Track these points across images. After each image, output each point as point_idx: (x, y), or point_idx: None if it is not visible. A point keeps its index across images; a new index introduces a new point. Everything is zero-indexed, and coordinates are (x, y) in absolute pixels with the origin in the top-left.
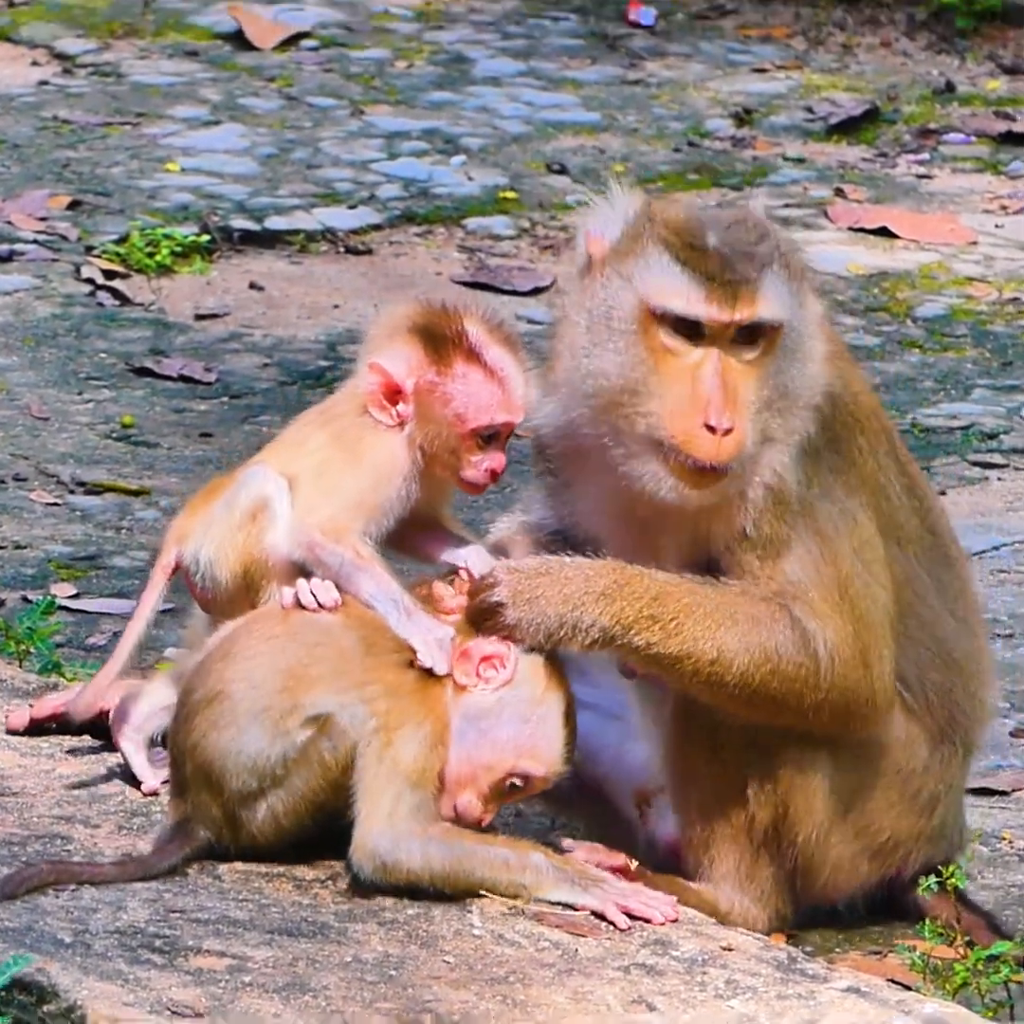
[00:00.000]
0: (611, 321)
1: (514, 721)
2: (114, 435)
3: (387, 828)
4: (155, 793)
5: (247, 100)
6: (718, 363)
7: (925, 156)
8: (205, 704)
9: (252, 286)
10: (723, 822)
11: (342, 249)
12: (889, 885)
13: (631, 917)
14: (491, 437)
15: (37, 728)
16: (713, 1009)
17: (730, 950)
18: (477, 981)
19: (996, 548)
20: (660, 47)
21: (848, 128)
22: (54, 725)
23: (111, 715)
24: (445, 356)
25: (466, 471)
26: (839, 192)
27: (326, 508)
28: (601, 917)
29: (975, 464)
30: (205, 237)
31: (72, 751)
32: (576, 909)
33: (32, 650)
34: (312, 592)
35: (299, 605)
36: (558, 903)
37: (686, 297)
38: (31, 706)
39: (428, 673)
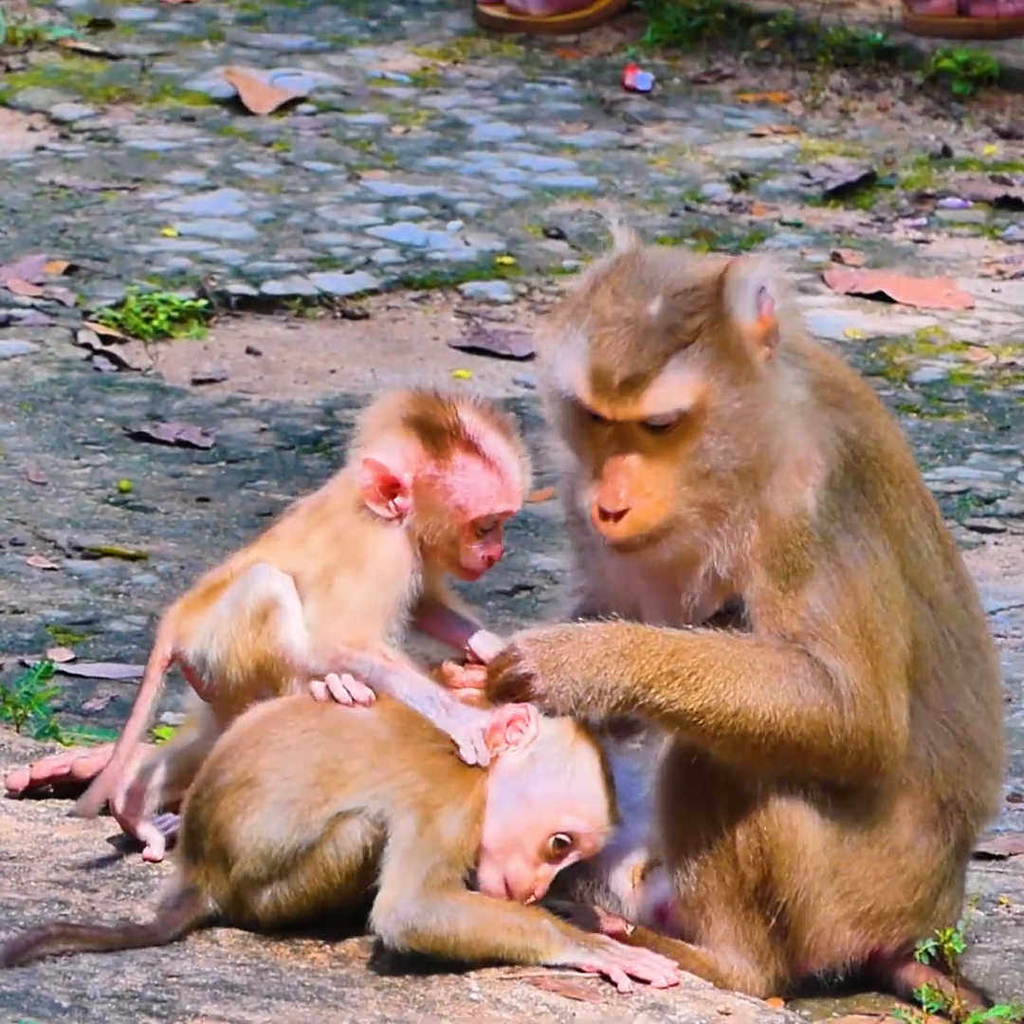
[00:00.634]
0: (548, 396)
1: (549, 775)
2: (111, 500)
3: (420, 896)
4: (156, 860)
5: (244, 165)
6: (621, 445)
7: (922, 221)
8: (234, 787)
9: (249, 351)
10: (717, 882)
11: (339, 314)
12: (872, 960)
13: (634, 979)
14: (489, 527)
15: (35, 791)
16: None
17: (727, 1014)
18: None
19: (992, 613)
20: (657, 112)
21: (845, 193)
22: (52, 788)
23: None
24: (443, 448)
25: (464, 559)
26: (836, 257)
27: (342, 620)
28: (603, 979)
29: (972, 529)
30: (202, 302)
31: (70, 815)
32: (582, 970)
33: (29, 715)
34: (346, 687)
35: (332, 698)
36: (564, 965)
37: (580, 387)
38: (31, 767)
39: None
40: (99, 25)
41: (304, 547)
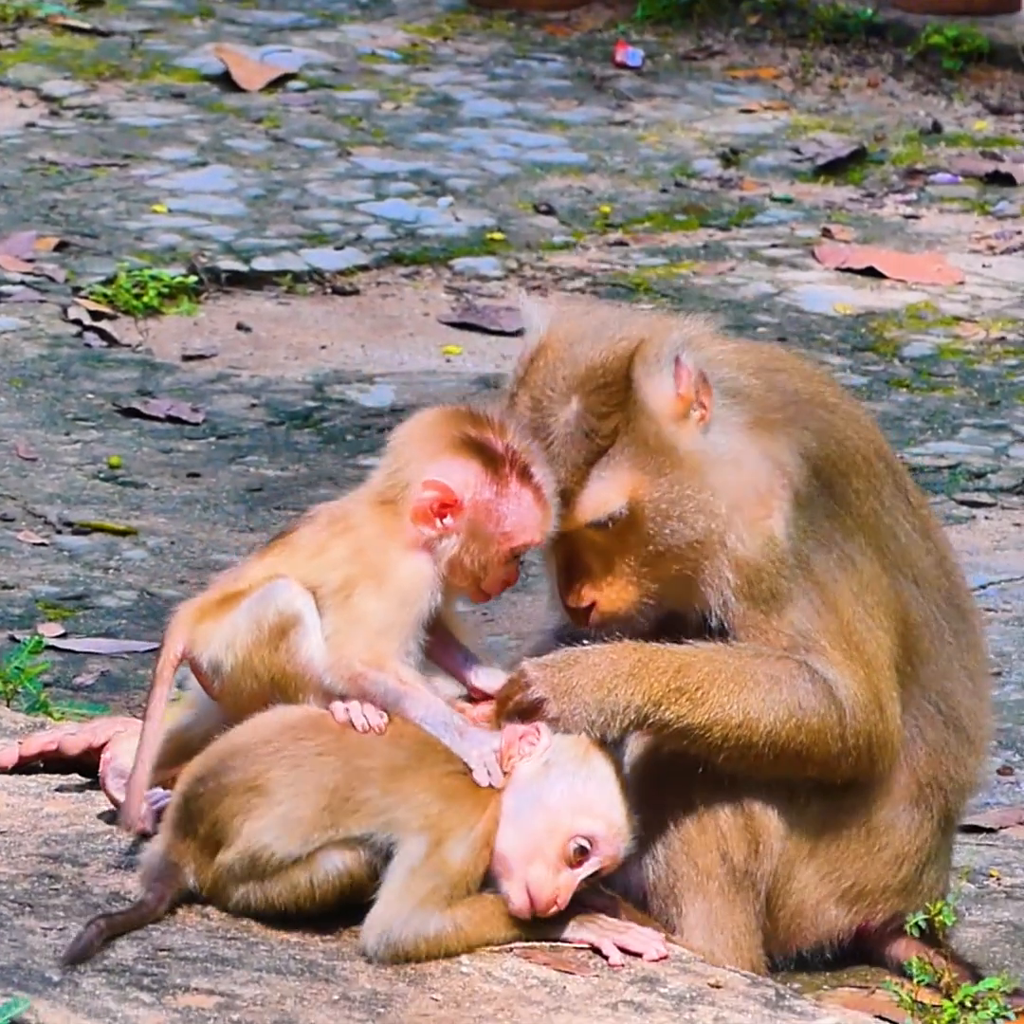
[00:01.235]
0: None
1: (563, 778)
2: (101, 475)
3: (412, 918)
4: (146, 834)
5: (234, 141)
6: (575, 544)
7: (912, 196)
8: (242, 789)
9: (239, 327)
10: (689, 868)
11: (329, 290)
12: (860, 935)
13: (625, 952)
14: (522, 552)
15: (26, 766)
16: None
17: (718, 987)
18: (465, 1018)
19: (983, 587)
20: (647, 88)
21: (835, 168)
22: (42, 763)
23: (102, 765)
24: (502, 474)
25: (486, 583)
26: (826, 232)
27: (360, 637)
28: (594, 952)
29: (962, 503)
30: (192, 278)
31: (60, 789)
32: (571, 943)
33: (19, 690)
34: (363, 715)
35: (349, 722)
36: (556, 939)
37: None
38: (20, 743)
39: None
40: (89, 2)
41: (324, 557)
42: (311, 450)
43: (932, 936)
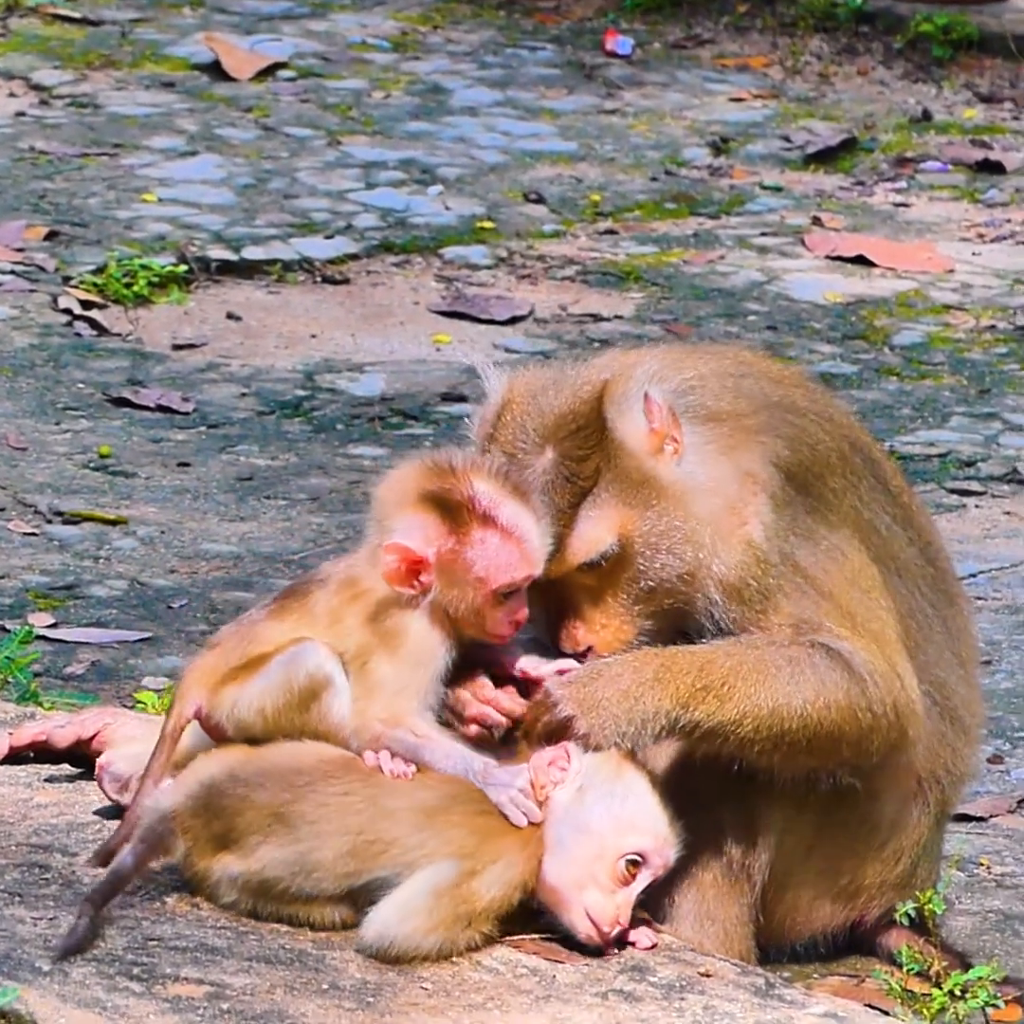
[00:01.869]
0: None
1: (601, 800)
2: (92, 465)
3: (418, 933)
4: None
5: (224, 131)
6: (565, 589)
7: (902, 184)
8: (266, 811)
9: (229, 316)
10: (685, 858)
11: (319, 279)
12: (852, 929)
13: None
14: (512, 591)
15: (15, 756)
16: None
17: (708, 976)
18: (455, 1007)
19: (973, 575)
20: (637, 77)
21: (825, 157)
22: (32, 754)
23: (98, 769)
24: (462, 523)
25: (490, 626)
26: (816, 221)
27: (379, 701)
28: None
29: (952, 491)
30: (182, 267)
31: (50, 780)
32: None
33: (10, 680)
34: (392, 763)
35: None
36: (542, 928)
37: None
38: (10, 734)
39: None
40: None
41: (340, 625)
42: (301, 439)
43: (922, 925)
